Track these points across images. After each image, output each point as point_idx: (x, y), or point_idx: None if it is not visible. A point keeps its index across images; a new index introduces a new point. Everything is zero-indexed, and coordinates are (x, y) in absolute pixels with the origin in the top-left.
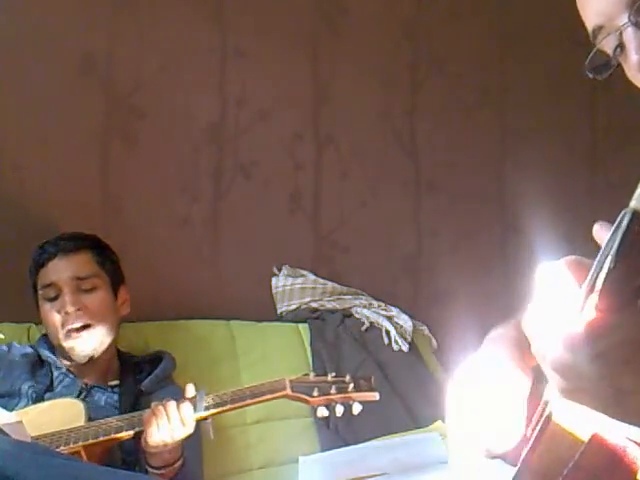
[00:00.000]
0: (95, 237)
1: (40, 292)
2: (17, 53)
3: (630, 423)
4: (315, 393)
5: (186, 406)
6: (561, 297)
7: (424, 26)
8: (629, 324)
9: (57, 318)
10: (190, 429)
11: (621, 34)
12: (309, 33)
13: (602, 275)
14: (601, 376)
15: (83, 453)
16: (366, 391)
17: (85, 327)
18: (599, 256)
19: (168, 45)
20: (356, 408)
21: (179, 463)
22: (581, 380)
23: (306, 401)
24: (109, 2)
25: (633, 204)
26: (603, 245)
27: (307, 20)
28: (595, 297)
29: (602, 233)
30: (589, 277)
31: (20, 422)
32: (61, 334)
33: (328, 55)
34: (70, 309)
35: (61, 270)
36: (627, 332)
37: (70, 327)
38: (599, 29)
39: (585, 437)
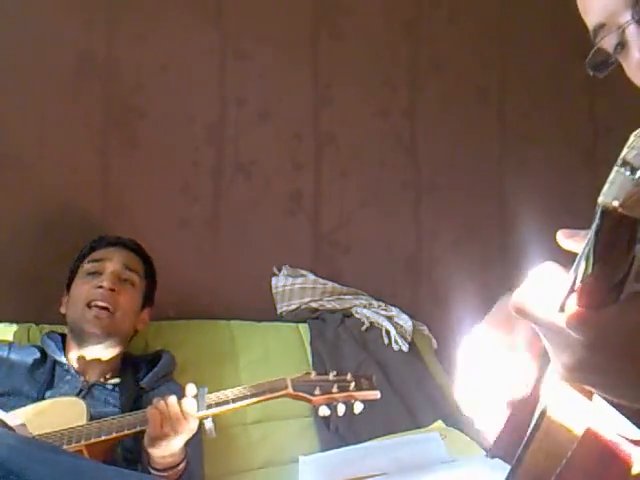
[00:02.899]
0: (151, 257)
1: (85, 265)
2: (17, 53)
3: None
4: (317, 392)
5: (188, 400)
6: (548, 293)
7: (424, 26)
8: (616, 320)
9: (90, 290)
10: (193, 425)
11: (623, 32)
12: (309, 33)
13: (581, 272)
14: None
15: (85, 452)
16: (367, 390)
17: (107, 309)
18: (579, 254)
19: (168, 45)
20: (358, 407)
21: (182, 465)
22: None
23: (308, 400)
24: (109, 2)
25: (601, 199)
26: (584, 244)
27: (307, 20)
28: (575, 294)
29: (565, 240)
30: (570, 276)
31: (23, 425)
32: (82, 305)
33: (328, 55)
34: (107, 285)
35: (113, 254)
36: (615, 327)
37: (95, 301)
38: (601, 27)
39: (579, 432)
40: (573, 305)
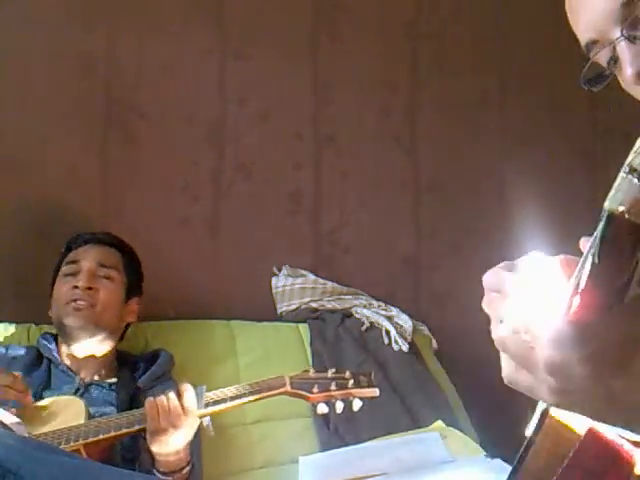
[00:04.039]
0: (130, 246)
1: (63, 267)
2: (17, 53)
3: (621, 427)
4: (315, 389)
5: (188, 395)
6: (548, 293)
7: (424, 26)
8: (617, 324)
9: (67, 291)
10: (193, 421)
11: (614, 47)
12: (309, 33)
13: (585, 275)
14: (593, 376)
15: (83, 451)
16: (366, 387)
17: (88, 303)
18: (583, 256)
19: (168, 45)
20: (356, 404)
21: (187, 469)
22: (572, 381)
23: (306, 397)
24: (109, 2)
25: (607, 205)
26: (587, 246)
27: (307, 20)
28: (579, 296)
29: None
30: (574, 277)
31: (20, 423)
32: (63, 304)
33: (328, 55)
34: (83, 284)
35: (88, 253)
36: (617, 332)
37: (74, 301)
38: (592, 43)
39: (582, 431)
40: (576, 306)
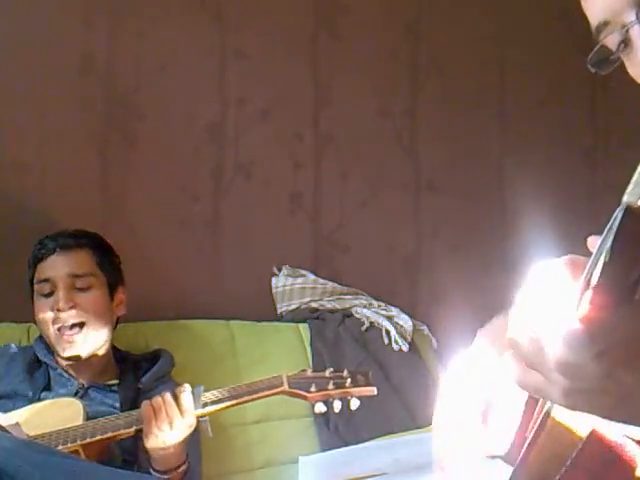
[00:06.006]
0: (97, 236)
1: (36, 286)
2: (17, 53)
3: (633, 424)
4: (313, 389)
5: (185, 395)
6: (557, 294)
7: (424, 26)
8: (629, 321)
9: (50, 315)
10: (190, 421)
11: (627, 31)
12: (309, 33)
13: (597, 271)
14: (606, 374)
15: (81, 452)
16: (364, 386)
17: (77, 325)
18: (594, 253)
19: (168, 45)
20: (354, 403)
21: (184, 467)
22: (585, 379)
23: (304, 397)
24: (109, 2)
25: (625, 198)
26: (598, 242)
27: (307, 20)
28: (590, 293)
29: (596, 242)
30: (585, 273)
31: (17, 424)
32: (52, 331)
33: (328, 55)
34: (63, 306)
35: (58, 266)
36: (628, 329)
37: (62, 325)
38: (604, 25)
39: (583, 433)
40: (587, 304)
